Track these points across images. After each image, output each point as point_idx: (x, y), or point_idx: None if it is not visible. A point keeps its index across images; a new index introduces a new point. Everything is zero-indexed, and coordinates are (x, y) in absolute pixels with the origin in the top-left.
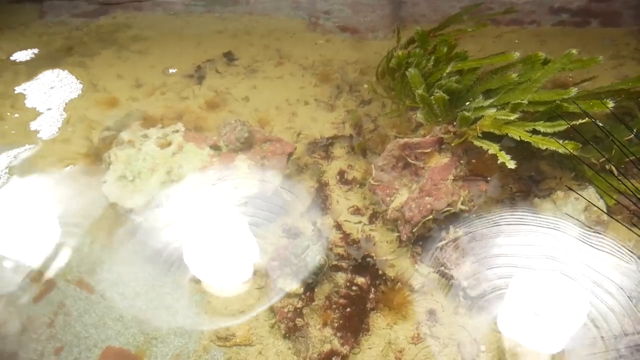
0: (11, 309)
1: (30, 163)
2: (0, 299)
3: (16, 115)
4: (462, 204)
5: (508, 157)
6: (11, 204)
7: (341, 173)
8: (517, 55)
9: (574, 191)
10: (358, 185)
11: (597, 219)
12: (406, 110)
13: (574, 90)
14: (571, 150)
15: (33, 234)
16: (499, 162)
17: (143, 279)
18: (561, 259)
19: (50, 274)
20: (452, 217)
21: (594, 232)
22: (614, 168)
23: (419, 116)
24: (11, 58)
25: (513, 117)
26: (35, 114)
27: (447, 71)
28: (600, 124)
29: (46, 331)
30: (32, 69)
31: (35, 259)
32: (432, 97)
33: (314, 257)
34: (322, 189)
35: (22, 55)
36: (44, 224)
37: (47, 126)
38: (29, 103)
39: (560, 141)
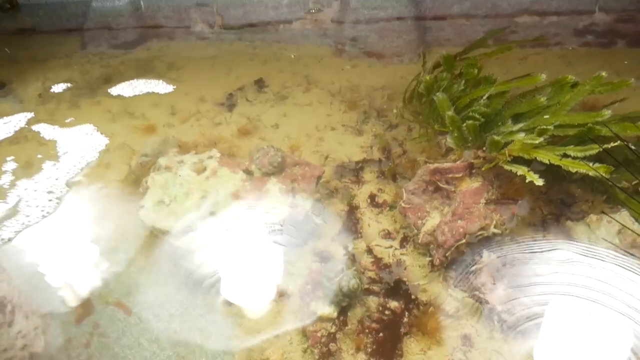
0: (50, 329)
1: (71, 187)
2: (41, 319)
3: (58, 142)
4: (494, 227)
5: (536, 176)
6: (53, 227)
7: (372, 196)
8: (543, 77)
9: (607, 215)
10: (388, 208)
11: (633, 242)
12: (435, 134)
13: (607, 113)
14: (603, 174)
15: (74, 256)
16: (527, 181)
17: (178, 301)
18: (597, 285)
19: (89, 295)
20: (484, 241)
21: (629, 256)
22: None
23: (448, 141)
24: (55, 87)
25: (538, 140)
26: (77, 140)
27: (486, 96)
28: (633, 147)
29: (83, 352)
30: (74, 98)
31: (76, 280)
32: (465, 124)
33: (348, 280)
34: (352, 212)
35: (66, 85)
36: (85, 247)
37: (88, 152)
38: (72, 130)
39: (591, 164)
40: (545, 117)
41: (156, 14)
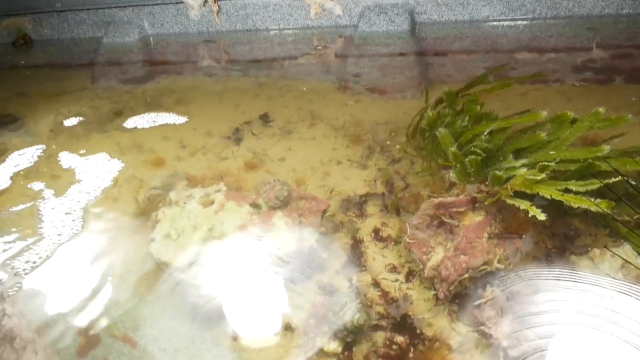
0: None
1: (81, 220)
2: (47, 354)
3: (69, 175)
4: (498, 262)
5: (539, 210)
6: (60, 258)
7: (376, 230)
8: (544, 114)
9: (610, 250)
10: (393, 243)
11: (636, 277)
12: (438, 169)
13: (606, 148)
14: (605, 209)
15: (81, 288)
16: (529, 215)
17: (184, 334)
18: (603, 316)
19: (95, 327)
20: (488, 275)
21: (634, 289)
22: None
23: (451, 175)
24: (67, 121)
25: (540, 176)
26: (87, 173)
27: (486, 132)
28: (633, 183)
29: None
30: (85, 132)
31: (82, 312)
32: (467, 159)
33: (353, 315)
34: (357, 246)
35: (77, 119)
36: (92, 279)
37: (98, 185)
38: (82, 163)
39: (593, 199)
40: (551, 152)
41: (165, 50)
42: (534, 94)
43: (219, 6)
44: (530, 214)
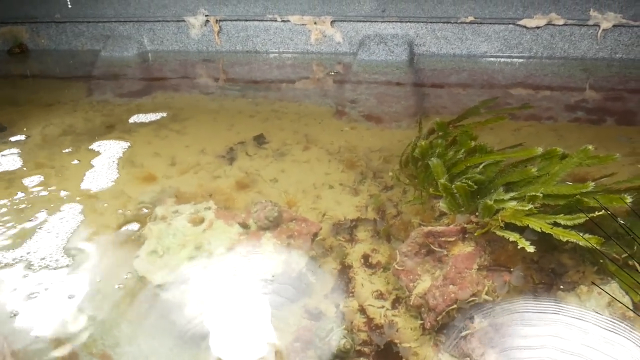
0: None
1: (65, 233)
2: None
3: (57, 186)
4: (486, 294)
5: (527, 242)
6: (41, 272)
7: (365, 256)
8: (539, 150)
9: (597, 286)
10: (382, 269)
11: (623, 315)
12: (429, 198)
13: (591, 185)
14: (594, 245)
15: (61, 304)
16: (519, 247)
17: (164, 354)
18: (585, 355)
19: (72, 344)
20: (475, 307)
21: (620, 327)
22: (637, 264)
23: (442, 205)
24: (57, 132)
25: (528, 207)
26: (75, 186)
27: (483, 165)
28: (622, 221)
29: None
30: (75, 143)
31: (61, 329)
32: (454, 185)
33: (339, 340)
34: (345, 271)
35: (68, 130)
36: (73, 295)
37: (85, 198)
38: (70, 175)
39: (582, 235)
40: (539, 187)
41: (163, 66)
42: (527, 130)
43: (220, 26)
44: (520, 246)
